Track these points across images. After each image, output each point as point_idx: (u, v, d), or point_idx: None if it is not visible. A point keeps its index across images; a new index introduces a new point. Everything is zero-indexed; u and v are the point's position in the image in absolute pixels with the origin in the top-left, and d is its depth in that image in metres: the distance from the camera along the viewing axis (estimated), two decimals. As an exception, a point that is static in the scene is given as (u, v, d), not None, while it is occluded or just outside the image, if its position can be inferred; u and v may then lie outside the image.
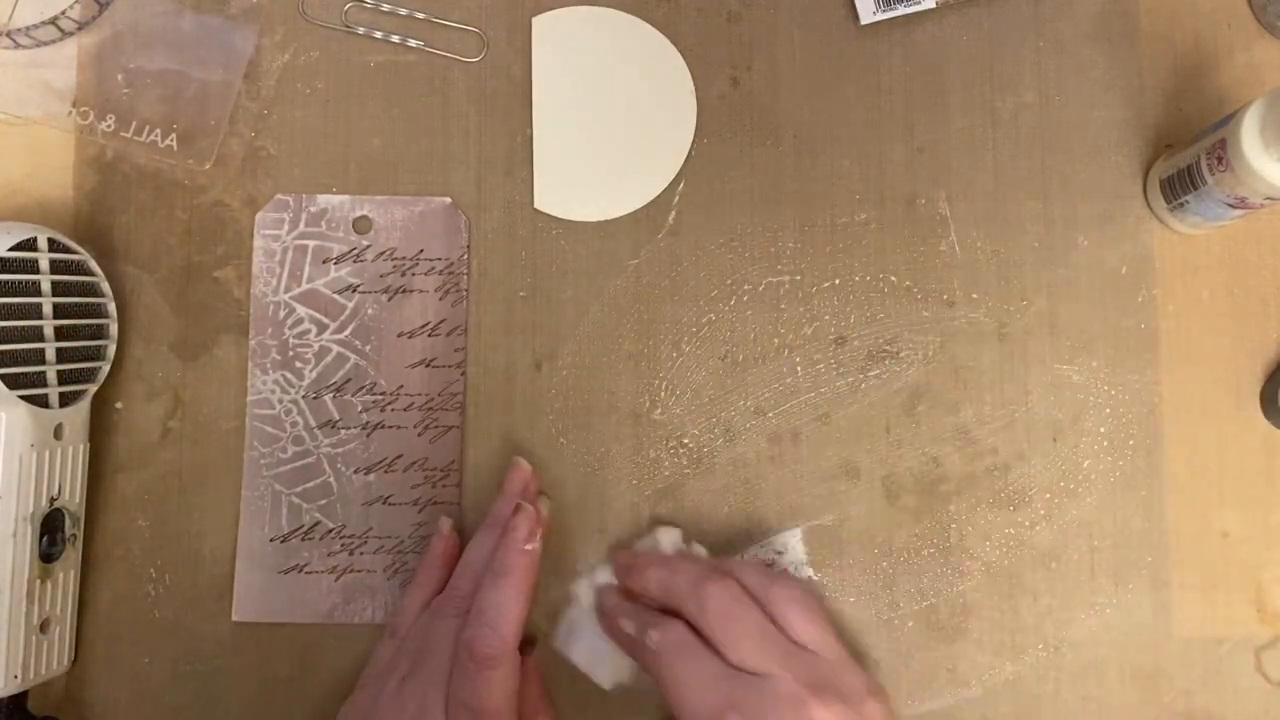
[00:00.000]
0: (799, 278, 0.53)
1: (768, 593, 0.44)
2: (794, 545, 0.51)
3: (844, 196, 0.54)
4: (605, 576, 0.49)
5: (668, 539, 0.50)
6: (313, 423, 0.52)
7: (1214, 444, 0.52)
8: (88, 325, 0.50)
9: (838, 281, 0.53)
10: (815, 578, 0.51)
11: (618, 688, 0.49)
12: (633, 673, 0.48)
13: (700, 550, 0.50)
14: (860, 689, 0.42)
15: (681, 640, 0.43)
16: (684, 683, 0.42)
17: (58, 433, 0.48)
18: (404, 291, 0.53)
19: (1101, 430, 0.52)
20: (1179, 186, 0.50)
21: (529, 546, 0.46)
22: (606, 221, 0.54)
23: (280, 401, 0.52)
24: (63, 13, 0.52)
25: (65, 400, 0.48)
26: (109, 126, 0.53)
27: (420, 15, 0.54)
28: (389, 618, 0.51)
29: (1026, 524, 0.52)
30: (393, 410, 0.52)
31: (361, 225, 0.53)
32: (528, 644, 0.47)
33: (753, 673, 0.42)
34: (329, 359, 0.52)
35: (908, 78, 0.54)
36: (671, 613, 0.45)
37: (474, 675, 0.43)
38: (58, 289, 0.48)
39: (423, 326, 0.53)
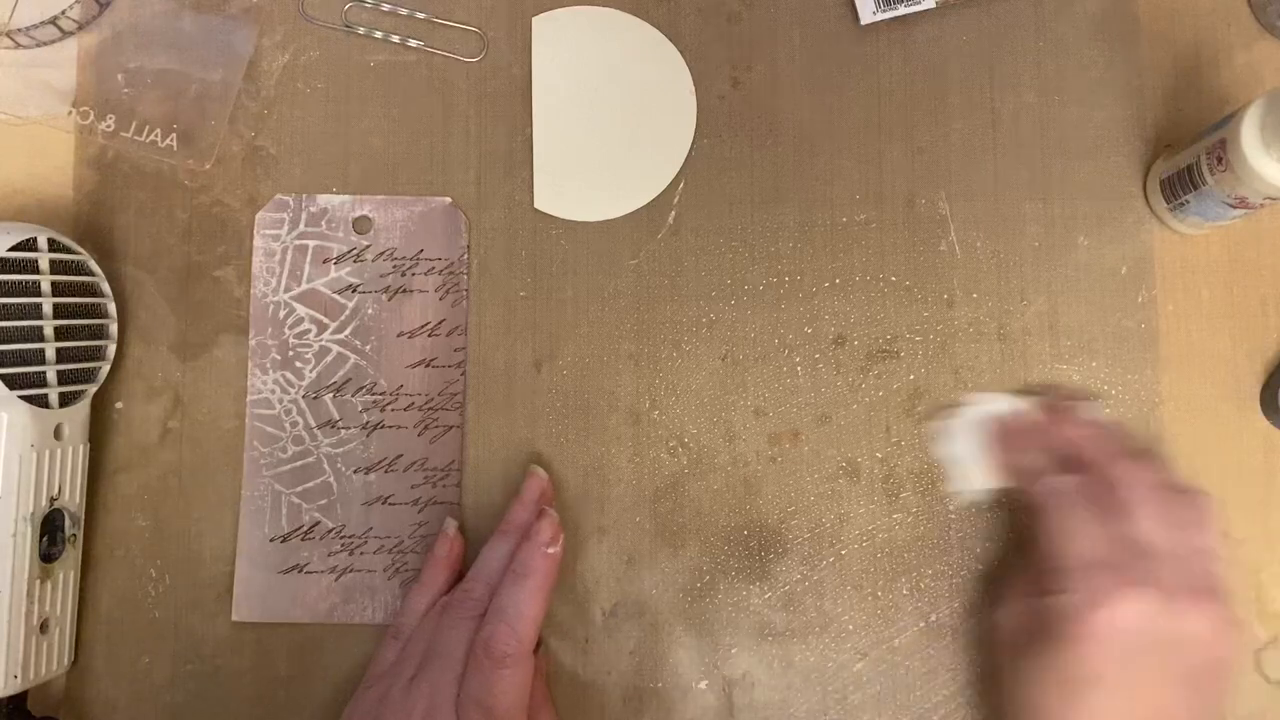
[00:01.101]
0: (799, 278, 0.53)
1: (1191, 498, 0.46)
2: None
3: (844, 196, 0.54)
4: (1004, 404, 0.51)
5: (1093, 408, 0.52)
6: (313, 423, 0.52)
7: (1214, 444, 0.52)
8: (88, 325, 0.50)
9: (838, 281, 0.53)
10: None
11: (969, 500, 0.51)
12: (989, 494, 0.51)
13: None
14: (1228, 615, 0.43)
15: (1085, 492, 0.45)
16: (1077, 531, 0.44)
17: (58, 433, 0.48)
18: (404, 291, 0.53)
19: (1101, 430, 0.52)
20: (1179, 186, 0.50)
21: (551, 550, 0.47)
22: (606, 221, 0.54)
23: (280, 401, 0.52)
24: (63, 13, 0.52)
25: (65, 400, 0.48)
26: (109, 126, 0.53)
27: (420, 15, 0.54)
28: (391, 618, 0.51)
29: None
30: (393, 410, 0.52)
31: (361, 225, 0.53)
32: (536, 645, 0.47)
33: (1144, 551, 0.43)
34: (329, 359, 0.52)
35: (908, 78, 0.54)
36: (1074, 463, 0.47)
37: (489, 673, 0.44)
38: (58, 289, 0.48)
39: (423, 326, 0.53)
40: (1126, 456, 0.46)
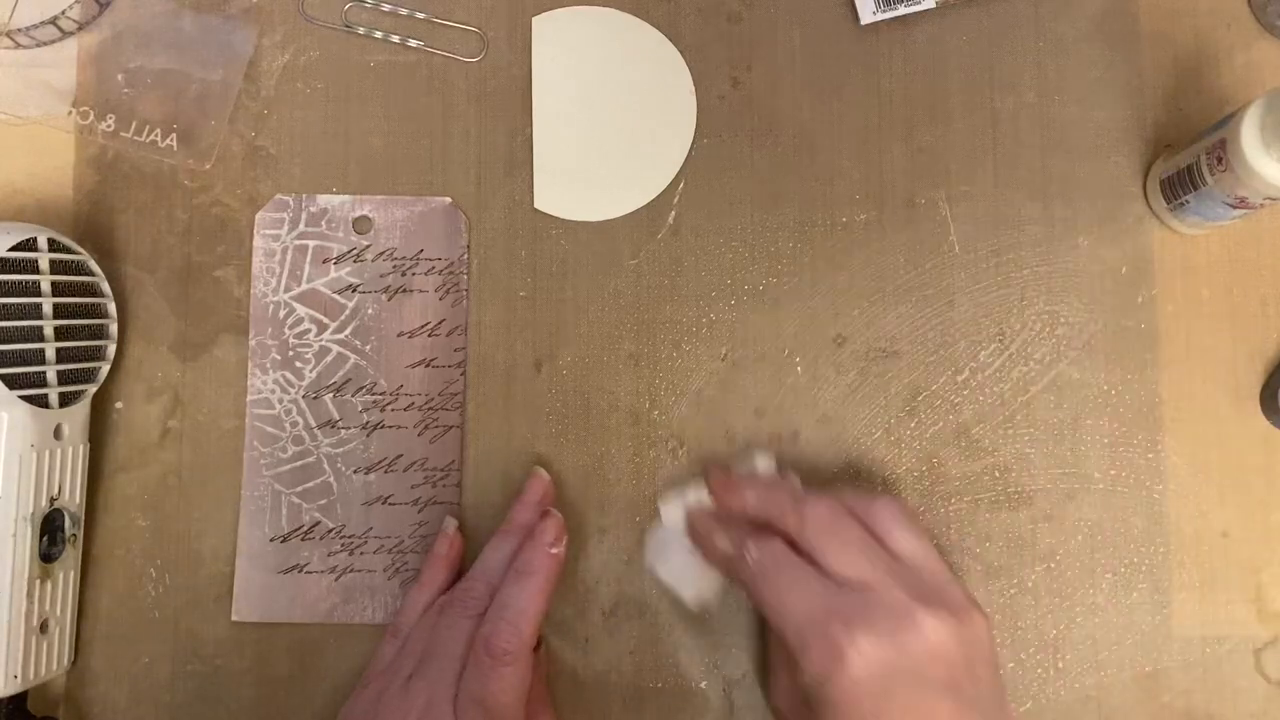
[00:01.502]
0: (799, 278, 0.53)
1: (869, 508, 0.45)
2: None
3: (844, 196, 0.54)
4: (695, 495, 0.49)
5: (763, 463, 0.51)
6: (313, 423, 0.52)
7: (1214, 444, 0.52)
8: (88, 325, 0.50)
9: (838, 281, 0.53)
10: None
11: (703, 607, 0.50)
12: (717, 593, 0.50)
13: (795, 479, 0.50)
14: (964, 601, 0.43)
15: (781, 554, 0.44)
16: (786, 595, 0.42)
17: (58, 433, 0.48)
18: (404, 291, 0.53)
19: (1102, 430, 0.52)
20: (1179, 186, 0.50)
21: (555, 550, 0.47)
22: (606, 221, 0.54)
23: (280, 401, 0.52)
24: (63, 13, 0.52)
25: (65, 400, 0.48)
26: (109, 126, 0.53)
27: (420, 15, 0.54)
28: (391, 617, 0.51)
29: (1027, 524, 0.52)
30: (393, 410, 0.52)
31: (361, 225, 0.53)
32: (535, 645, 0.47)
33: (855, 584, 0.42)
34: (329, 359, 0.52)
35: (908, 78, 0.54)
36: (767, 531, 0.45)
37: (489, 670, 0.44)
38: (58, 289, 0.48)
39: (423, 326, 0.53)
40: (795, 502, 0.45)
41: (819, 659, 0.41)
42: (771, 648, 0.49)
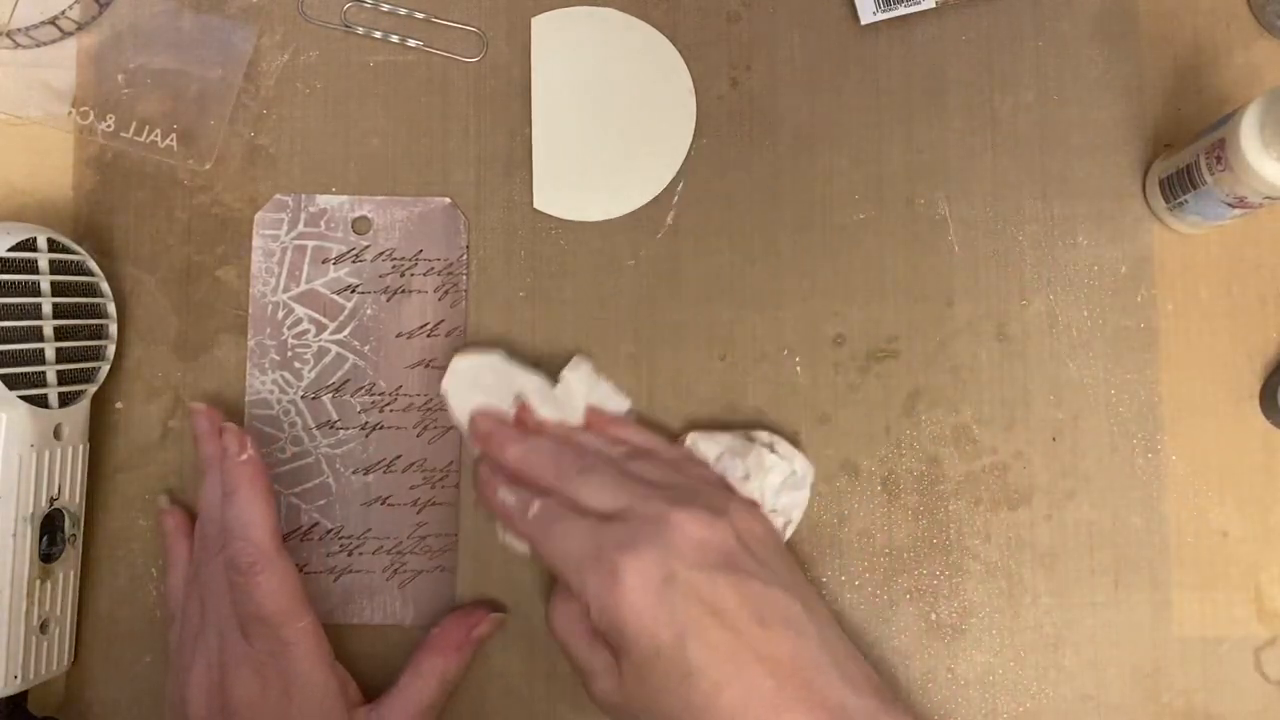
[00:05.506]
0: (799, 278, 0.53)
1: (621, 450, 0.48)
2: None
3: (843, 196, 0.54)
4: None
5: (579, 378, 0.51)
6: (311, 423, 0.52)
7: (1214, 444, 0.52)
8: (87, 325, 0.50)
9: (838, 281, 0.53)
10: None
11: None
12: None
13: (609, 390, 0.51)
14: (723, 502, 0.45)
15: (554, 509, 0.45)
16: (561, 544, 0.44)
17: (57, 433, 0.48)
18: (403, 292, 0.53)
19: (1101, 430, 0.52)
20: (1178, 186, 0.50)
21: (243, 457, 0.47)
22: (606, 221, 0.53)
23: (279, 402, 0.52)
24: (63, 13, 0.52)
25: (65, 400, 0.48)
26: (109, 126, 0.53)
27: (420, 15, 0.54)
28: (390, 618, 0.51)
29: (1026, 524, 0.52)
30: (391, 411, 0.52)
31: (361, 225, 0.53)
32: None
33: (616, 513, 0.44)
34: (328, 359, 0.52)
35: (908, 78, 0.54)
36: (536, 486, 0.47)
37: (246, 586, 0.45)
38: (57, 289, 0.48)
39: (422, 327, 0.53)
40: (557, 448, 0.48)
41: (598, 588, 0.42)
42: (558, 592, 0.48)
